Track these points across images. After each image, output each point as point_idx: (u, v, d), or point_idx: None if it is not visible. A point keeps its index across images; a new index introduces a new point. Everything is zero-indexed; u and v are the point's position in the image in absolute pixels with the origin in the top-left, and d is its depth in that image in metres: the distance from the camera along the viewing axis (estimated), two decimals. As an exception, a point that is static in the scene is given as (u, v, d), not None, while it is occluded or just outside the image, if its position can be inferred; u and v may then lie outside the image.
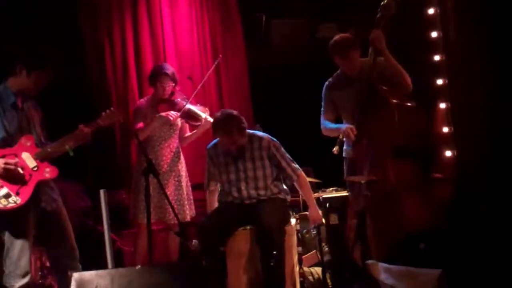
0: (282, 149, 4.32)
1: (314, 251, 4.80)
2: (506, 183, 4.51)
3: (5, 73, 3.73)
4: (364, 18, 4.38)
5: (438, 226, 3.96)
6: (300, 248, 4.69)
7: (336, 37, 4.23)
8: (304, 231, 4.94)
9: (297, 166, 4.34)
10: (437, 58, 5.15)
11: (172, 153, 4.85)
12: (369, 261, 3.79)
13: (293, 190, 4.57)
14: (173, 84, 4.87)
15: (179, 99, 4.86)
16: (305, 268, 4.65)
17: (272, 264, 3.93)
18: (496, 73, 4.73)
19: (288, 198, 4.43)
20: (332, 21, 6.38)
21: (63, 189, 4.08)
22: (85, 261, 3.89)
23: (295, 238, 4.42)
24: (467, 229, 4.16)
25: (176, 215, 4.02)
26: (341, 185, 4.88)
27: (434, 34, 5.15)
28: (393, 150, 3.93)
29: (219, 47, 6.06)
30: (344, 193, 4.73)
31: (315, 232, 4.78)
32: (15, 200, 3.53)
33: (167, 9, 5.92)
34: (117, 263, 4.39)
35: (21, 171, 3.58)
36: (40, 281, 4.54)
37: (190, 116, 4.85)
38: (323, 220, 4.56)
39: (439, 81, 5.13)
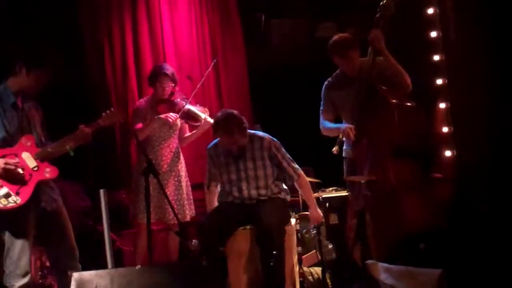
0: (283, 149, 4.33)
1: (314, 251, 4.80)
2: (506, 183, 4.52)
3: (5, 73, 3.73)
4: (363, 18, 4.38)
5: (438, 226, 3.96)
6: (300, 248, 4.70)
7: (335, 37, 4.23)
8: (304, 231, 4.95)
9: (297, 166, 4.35)
10: (436, 58, 5.15)
11: (172, 153, 4.85)
12: (369, 261, 3.79)
13: (293, 190, 4.57)
14: (173, 85, 4.87)
15: (178, 100, 4.85)
16: (305, 268, 4.66)
17: (272, 264, 3.93)
18: (496, 73, 4.73)
19: (288, 197, 4.43)
20: (332, 21, 6.38)
21: (63, 189, 4.08)
22: (85, 261, 3.89)
23: (295, 238, 4.42)
24: (467, 229, 4.16)
25: (176, 215, 4.03)
26: (341, 185, 4.88)
27: (433, 34, 5.15)
28: (393, 150, 3.93)
29: (219, 47, 6.06)
30: (344, 193, 4.74)
31: (314, 232, 4.78)
32: (15, 200, 3.53)
33: (166, 9, 5.92)
34: (117, 263, 4.39)
35: (21, 171, 3.58)
36: (40, 281, 4.54)
37: (189, 117, 4.85)
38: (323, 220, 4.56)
39: (439, 81, 5.13)
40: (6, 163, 3.53)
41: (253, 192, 4.26)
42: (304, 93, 5.10)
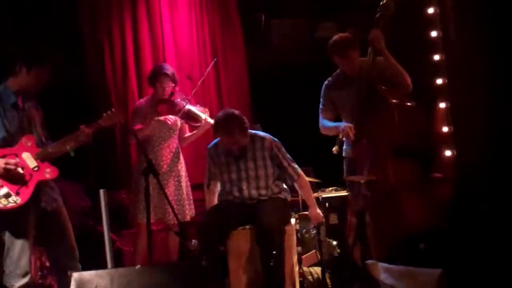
0: (283, 149, 4.32)
1: (314, 251, 4.80)
2: (506, 183, 4.52)
3: (5, 73, 3.73)
4: (363, 18, 4.38)
5: (438, 226, 3.96)
6: (299, 248, 4.70)
7: (335, 37, 4.23)
8: (304, 231, 4.94)
9: (297, 166, 4.35)
10: (436, 57, 5.15)
11: (172, 154, 4.85)
12: (369, 261, 3.79)
13: (293, 190, 4.57)
14: (173, 85, 4.87)
15: (178, 100, 4.85)
16: (305, 268, 4.65)
17: (272, 264, 3.93)
18: (496, 73, 4.73)
19: (289, 197, 4.43)
20: (332, 21, 6.38)
21: (63, 189, 4.08)
22: (85, 261, 3.89)
23: (294, 238, 4.42)
24: (467, 229, 4.16)
25: (175, 215, 4.03)
26: (340, 185, 4.88)
27: (433, 34, 5.15)
28: (393, 150, 3.93)
29: (219, 47, 6.06)
30: (343, 193, 4.74)
31: (314, 232, 4.78)
32: (15, 200, 3.53)
33: (166, 9, 5.93)
34: (117, 263, 4.39)
35: (21, 171, 3.58)
36: (40, 281, 4.54)
37: (190, 117, 4.85)
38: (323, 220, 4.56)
39: (439, 81, 5.13)
40: (6, 163, 3.53)
41: (254, 192, 4.26)
42: (304, 93, 5.10)
